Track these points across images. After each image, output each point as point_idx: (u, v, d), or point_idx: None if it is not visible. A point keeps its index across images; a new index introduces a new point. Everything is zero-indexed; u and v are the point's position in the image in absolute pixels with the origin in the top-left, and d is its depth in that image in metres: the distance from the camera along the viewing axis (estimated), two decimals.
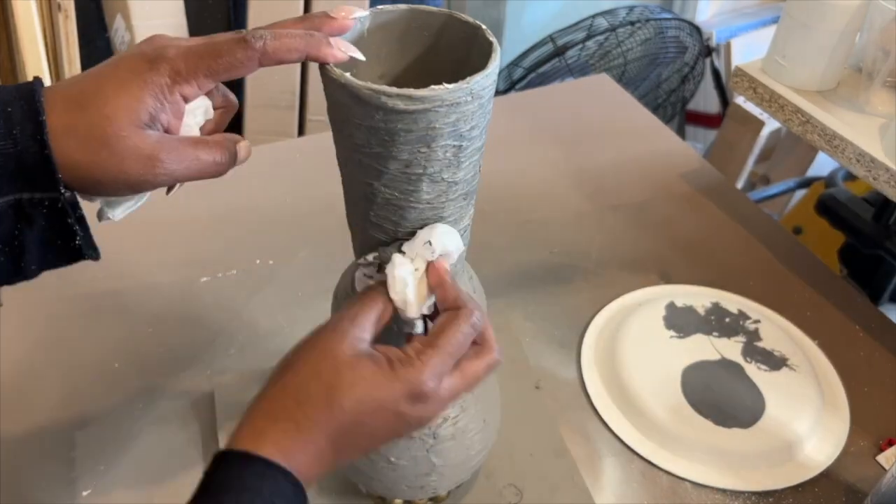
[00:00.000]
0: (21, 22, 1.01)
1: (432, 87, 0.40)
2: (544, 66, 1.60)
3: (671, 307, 0.80)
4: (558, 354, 0.78)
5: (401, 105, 0.39)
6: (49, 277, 0.81)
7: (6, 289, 0.80)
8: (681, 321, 0.79)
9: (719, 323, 0.79)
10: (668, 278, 0.87)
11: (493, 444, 0.60)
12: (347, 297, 0.53)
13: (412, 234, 0.46)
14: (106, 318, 0.78)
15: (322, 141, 1.10)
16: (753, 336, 0.78)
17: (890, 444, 0.70)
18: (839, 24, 0.80)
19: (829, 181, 1.24)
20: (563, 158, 1.05)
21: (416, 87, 0.40)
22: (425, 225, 0.46)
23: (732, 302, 0.82)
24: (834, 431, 0.72)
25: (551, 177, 1.02)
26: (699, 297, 0.82)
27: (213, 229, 0.90)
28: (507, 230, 0.92)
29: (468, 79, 0.41)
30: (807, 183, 1.54)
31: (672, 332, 0.78)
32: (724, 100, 1.93)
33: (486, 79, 0.41)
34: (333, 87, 0.41)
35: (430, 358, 0.42)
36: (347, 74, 0.40)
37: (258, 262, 0.85)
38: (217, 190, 0.96)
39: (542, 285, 0.85)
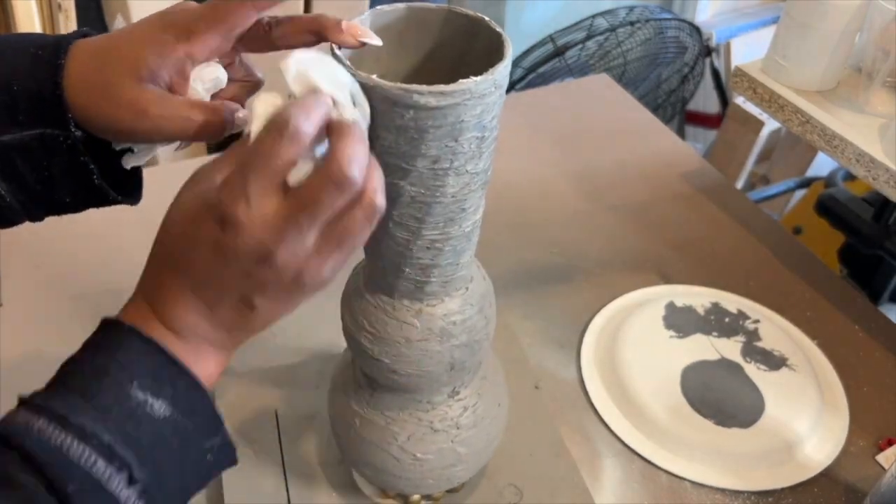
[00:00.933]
0: (21, 21, 1.01)
1: (461, 80, 0.40)
2: (544, 66, 1.60)
3: (671, 307, 0.80)
4: (558, 354, 0.78)
5: (433, 102, 0.40)
6: (49, 277, 0.82)
7: (6, 289, 0.80)
8: (680, 321, 0.79)
9: (719, 323, 0.79)
10: (667, 278, 0.87)
11: (505, 425, 0.61)
12: (357, 297, 0.53)
13: (434, 229, 0.46)
14: None
15: None
16: (753, 336, 0.78)
17: (889, 443, 0.71)
18: (839, 24, 0.80)
19: (829, 181, 1.24)
20: (563, 158, 1.05)
21: (419, 84, 0.40)
22: (449, 220, 0.46)
23: (732, 302, 0.82)
24: (833, 431, 0.72)
25: (551, 177, 1.02)
26: (699, 297, 0.82)
27: None
28: (507, 230, 0.92)
29: (491, 70, 0.41)
30: (806, 183, 1.54)
31: (672, 332, 0.78)
32: (724, 100, 1.93)
33: (507, 68, 0.42)
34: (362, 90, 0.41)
35: (223, 166, 0.37)
36: (374, 76, 0.40)
37: None
38: None
39: (542, 285, 0.85)
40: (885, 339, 0.81)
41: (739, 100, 1.80)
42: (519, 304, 0.82)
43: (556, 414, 0.72)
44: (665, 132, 1.12)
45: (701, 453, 0.68)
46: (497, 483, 0.65)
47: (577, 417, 0.72)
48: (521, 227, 0.93)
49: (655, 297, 0.83)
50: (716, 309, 0.81)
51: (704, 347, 0.76)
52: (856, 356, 0.79)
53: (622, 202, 0.98)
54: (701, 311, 0.80)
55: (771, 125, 1.77)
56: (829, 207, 1.04)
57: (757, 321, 0.80)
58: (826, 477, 0.68)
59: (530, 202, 0.97)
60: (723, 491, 0.67)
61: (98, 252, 0.85)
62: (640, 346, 0.76)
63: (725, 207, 0.97)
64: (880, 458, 0.70)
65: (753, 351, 0.77)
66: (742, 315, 0.80)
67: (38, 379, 0.76)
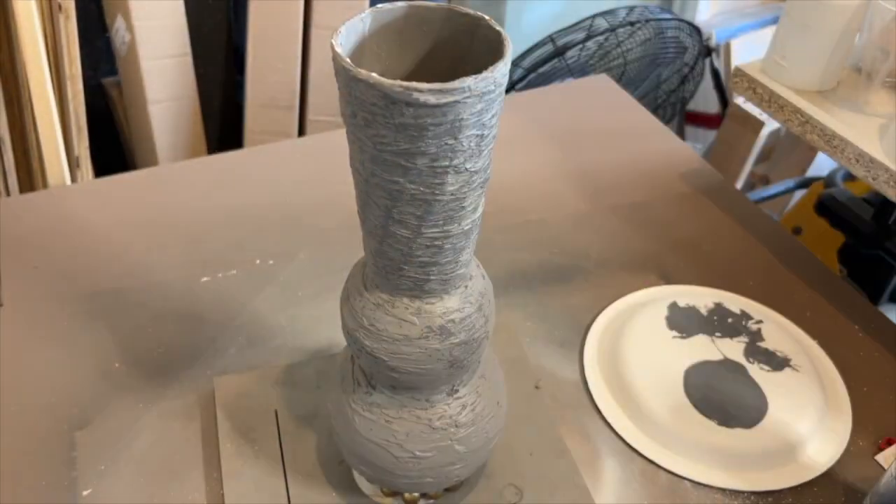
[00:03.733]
0: (21, 22, 1.01)
1: (461, 78, 0.40)
2: (544, 66, 1.60)
3: (674, 307, 0.80)
4: (558, 354, 0.78)
5: (432, 100, 0.40)
6: (49, 277, 0.82)
7: (6, 289, 0.80)
8: (683, 321, 0.79)
9: (722, 323, 0.79)
10: (667, 278, 0.87)
11: (504, 424, 0.61)
12: (357, 295, 0.53)
13: (434, 227, 0.46)
14: (106, 318, 0.78)
15: (322, 141, 1.10)
16: (756, 336, 0.78)
17: (889, 443, 0.71)
18: (839, 25, 0.81)
19: (829, 181, 1.24)
20: (563, 158, 1.05)
21: (419, 82, 0.40)
22: (449, 218, 0.46)
23: (735, 302, 0.82)
24: (837, 432, 0.72)
25: (551, 177, 1.02)
26: (702, 298, 0.82)
27: (213, 229, 0.90)
28: (507, 230, 0.92)
29: (491, 68, 0.41)
30: (806, 183, 1.53)
31: (675, 333, 0.78)
32: (724, 100, 1.93)
33: (506, 66, 0.42)
34: (361, 87, 0.41)
35: None
36: (374, 74, 0.40)
37: (258, 262, 0.85)
38: (217, 190, 0.96)
39: (542, 285, 0.85)
40: (884, 339, 0.81)
41: (739, 100, 1.80)
42: (519, 304, 0.82)
43: (557, 413, 0.72)
44: (665, 132, 1.12)
45: (703, 453, 0.68)
46: (497, 483, 0.65)
47: (578, 417, 0.72)
48: (521, 227, 0.93)
49: (658, 298, 0.83)
50: (719, 309, 0.81)
51: (707, 348, 0.76)
52: (855, 356, 0.79)
53: (622, 202, 0.98)
54: (704, 311, 0.80)
55: (771, 125, 1.77)
56: (829, 207, 1.04)
57: (760, 322, 0.80)
58: (826, 477, 0.68)
59: (530, 202, 0.97)
60: (722, 491, 0.67)
61: (98, 252, 0.85)
62: (642, 346, 0.76)
63: (725, 208, 0.97)
64: (880, 457, 0.70)
65: (756, 351, 0.77)
66: (745, 315, 0.80)
67: (38, 379, 0.76)
